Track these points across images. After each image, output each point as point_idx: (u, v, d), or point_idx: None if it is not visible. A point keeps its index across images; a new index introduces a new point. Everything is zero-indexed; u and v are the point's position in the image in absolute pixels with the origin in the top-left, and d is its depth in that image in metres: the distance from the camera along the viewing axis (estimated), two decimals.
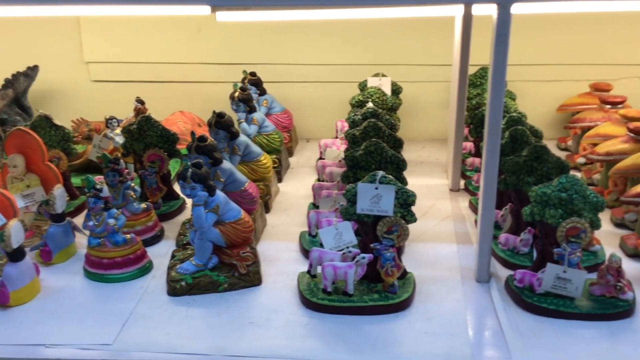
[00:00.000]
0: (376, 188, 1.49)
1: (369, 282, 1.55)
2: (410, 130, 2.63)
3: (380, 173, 1.51)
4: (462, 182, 2.20)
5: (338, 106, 2.56)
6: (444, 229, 1.92)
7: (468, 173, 2.23)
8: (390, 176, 1.51)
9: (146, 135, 1.96)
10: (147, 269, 1.68)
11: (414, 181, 2.24)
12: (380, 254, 1.50)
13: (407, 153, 2.53)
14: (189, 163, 1.55)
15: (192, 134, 1.74)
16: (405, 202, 1.52)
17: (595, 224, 1.48)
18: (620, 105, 2.27)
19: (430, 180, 2.27)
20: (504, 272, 1.63)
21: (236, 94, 2.17)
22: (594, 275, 1.52)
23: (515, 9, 1.37)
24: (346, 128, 2.16)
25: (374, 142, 1.72)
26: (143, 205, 1.84)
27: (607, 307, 1.46)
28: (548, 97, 2.57)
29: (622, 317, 1.45)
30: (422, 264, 1.71)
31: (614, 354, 1.33)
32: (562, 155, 2.44)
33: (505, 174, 1.71)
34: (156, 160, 1.97)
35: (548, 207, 1.48)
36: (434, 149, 2.58)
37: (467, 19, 1.92)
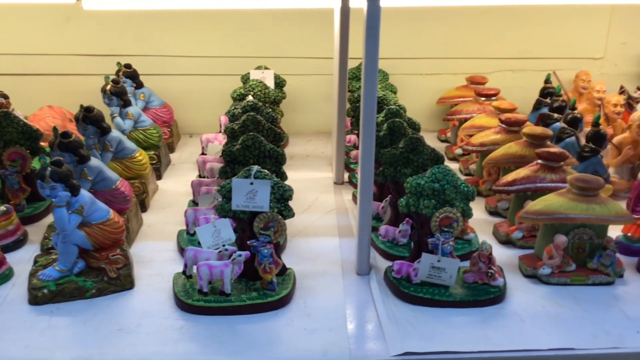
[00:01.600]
0: (251, 183, 1.45)
1: (248, 280, 1.50)
2: (296, 123, 2.61)
3: (255, 168, 1.46)
4: (346, 175, 2.20)
5: (222, 100, 2.49)
6: (327, 222, 1.91)
7: (352, 166, 2.24)
8: (265, 171, 1.47)
9: (5, 131, 1.80)
10: (6, 276, 1.55)
11: (299, 175, 2.24)
12: (258, 251, 1.46)
13: (293, 147, 2.53)
14: (48, 161, 1.43)
15: (55, 129, 1.62)
16: (282, 197, 1.48)
17: (467, 213, 1.52)
18: (494, 98, 2.36)
19: (315, 174, 2.26)
20: (384, 264, 1.63)
21: (108, 87, 2.05)
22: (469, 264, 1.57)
23: (384, 1, 1.37)
24: None
25: (252, 136, 1.68)
26: (2, 207, 1.69)
27: (480, 293, 1.50)
28: (428, 90, 2.63)
29: (494, 303, 1.49)
30: (304, 259, 1.69)
31: (484, 339, 1.36)
32: (442, 146, 2.53)
33: (383, 166, 1.72)
34: (17, 158, 1.82)
35: (422, 198, 1.50)
36: (320, 142, 2.57)
37: (345, 11, 1.91)
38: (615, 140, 2.13)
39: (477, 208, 2.00)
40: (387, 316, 1.44)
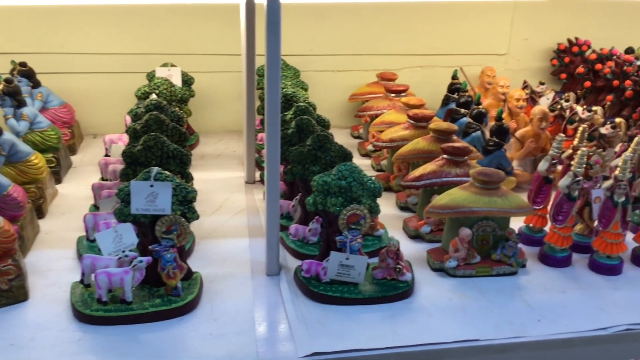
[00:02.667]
0: (151, 186, 1.39)
1: (151, 286, 1.44)
2: (206, 122, 2.55)
3: (155, 169, 1.41)
4: (258, 174, 2.17)
5: (127, 99, 2.39)
6: (237, 223, 1.86)
7: (263, 164, 2.19)
8: (166, 172, 1.42)
9: None
10: None
11: (209, 175, 2.18)
12: (160, 256, 1.40)
13: (204, 146, 2.47)
14: None
15: None
16: (185, 198, 1.43)
17: (374, 210, 1.52)
18: (403, 94, 2.38)
19: (226, 174, 2.21)
20: (295, 264, 1.61)
21: (0, 87, 1.92)
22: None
23: None
24: None
25: (153, 136, 1.61)
26: None
27: (388, 289, 1.50)
28: (340, 87, 2.63)
29: (402, 298, 1.50)
30: (212, 261, 1.64)
31: (392, 335, 1.37)
32: (354, 142, 2.54)
33: (291, 164, 1.70)
34: None
35: (329, 196, 1.48)
36: (232, 141, 2.52)
37: (250, 7, 1.87)
38: (518, 133, 2.19)
39: (388, 204, 2.03)
40: (297, 317, 1.41)
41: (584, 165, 1.60)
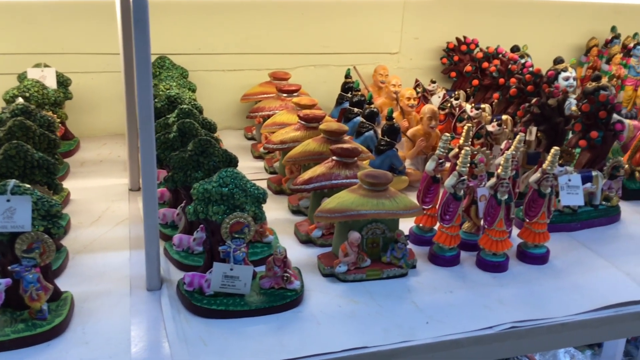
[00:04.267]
0: (8, 200, 1.26)
1: (14, 310, 1.31)
2: (88, 126, 2.39)
3: (12, 182, 1.27)
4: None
5: None
6: (117, 234, 1.74)
7: None
8: (26, 185, 1.29)
9: None
10: None
11: (90, 183, 2.04)
12: (21, 277, 1.27)
13: (85, 152, 2.31)
14: None
15: None
16: (48, 212, 1.31)
17: (259, 217, 1.46)
18: (295, 94, 2.34)
19: (108, 181, 2.07)
20: (179, 276, 1.51)
21: None
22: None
23: None
24: None
25: (15, 144, 1.47)
26: None
27: (276, 299, 1.44)
28: (232, 87, 2.54)
29: (291, 307, 1.45)
30: (87, 278, 1.52)
31: (279, 347, 1.31)
32: (248, 144, 2.46)
33: (172, 170, 1.60)
34: None
35: (211, 204, 1.41)
36: (116, 145, 2.37)
37: (126, 4, 1.76)
38: (409, 132, 2.20)
39: (280, 207, 1.98)
40: (177, 334, 1.33)
41: (468, 165, 1.61)
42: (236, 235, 1.40)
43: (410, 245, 1.74)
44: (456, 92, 2.49)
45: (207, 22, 2.46)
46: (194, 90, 2.24)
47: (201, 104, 2.19)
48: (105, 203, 1.91)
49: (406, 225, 1.79)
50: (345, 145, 1.76)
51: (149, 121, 1.33)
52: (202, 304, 1.40)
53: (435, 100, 2.51)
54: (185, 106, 1.79)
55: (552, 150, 1.64)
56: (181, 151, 1.58)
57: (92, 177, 2.08)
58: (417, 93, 2.51)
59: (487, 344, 1.41)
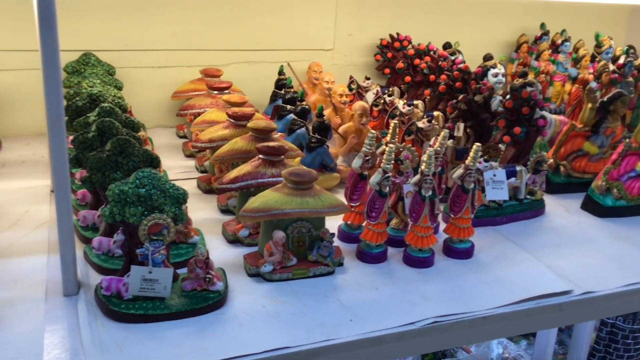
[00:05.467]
0: None
1: None
2: (10, 125, 2.31)
3: None
4: None
5: None
6: (36, 238, 1.68)
7: (74, 170, 2.02)
8: None
9: None
10: None
11: (10, 185, 1.97)
12: None
13: (8, 152, 2.23)
14: None
15: None
16: None
17: (180, 218, 1.42)
18: (227, 91, 2.30)
19: (30, 182, 1.99)
20: (99, 280, 1.46)
21: None
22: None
23: None
24: None
25: None
26: None
27: (198, 301, 1.41)
28: (163, 84, 2.49)
29: (214, 309, 1.42)
30: (0, 284, 1.46)
31: (199, 350, 1.28)
32: (180, 143, 2.42)
33: (90, 171, 1.55)
34: None
35: (128, 206, 1.37)
36: (40, 145, 2.29)
37: None
38: (341, 129, 2.20)
39: (210, 207, 1.95)
40: (92, 341, 1.29)
41: (393, 161, 1.62)
42: (155, 237, 1.37)
43: (338, 243, 1.75)
44: (390, 89, 2.51)
45: (135, 17, 2.39)
46: (120, 88, 2.17)
47: (130, 102, 2.14)
48: (25, 205, 1.84)
49: (335, 222, 1.79)
50: (271, 144, 1.74)
51: (58, 121, 1.29)
52: (119, 309, 1.36)
53: (370, 96, 2.51)
54: (106, 105, 1.74)
55: (474, 147, 1.66)
56: (99, 151, 1.53)
57: (13, 179, 2.01)
58: (352, 90, 2.51)
59: (410, 339, 1.42)
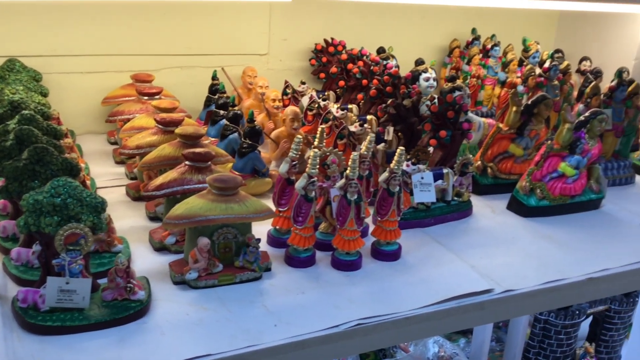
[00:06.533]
0: None
1: None
2: None
3: None
4: None
5: None
6: None
7: None
8: None
9: None
10: None
11: None
12: None
13: None
14: None
15: None
16: None
17: (99, 227, 1.40)
18: (157, 97, 2.28)
19: None
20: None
21: None
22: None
23: None
24: None
25: None
26: None
27: (119, 311, 1.40)
28: (93, 90, 2.44)
29: (135, 319, 1.41)
30: None
31: None
32: (110, 149, 2.38)
33: (6, 181, 1.51)
34: None
35: (43, 216, 1.34)
36: None
37: None
38: (273, 134, 2.21)
39: (138, 214, 1.92)
40: (7, 354, 1.26)
41: (318, 166, 1.63)
42: (71, 247, 1.34)
43: (268, 248, 1.75)
44: (326, 93, 2.53)
45: (63, 22, 2.34)
46: (45, 95, 2.12)
47: (59, 109, 2.10)
48: None
49: (264, 227, 1.79)
50: (197, 150, 1.73)
51: None
52: (36, 321, 1.33)
53: (305, 101, 2.52)
54: (27, 112, 1.69)
55: (398, 150, 1.69)
56: (15, 160, 1.50)
57: None
58: (287, 94, 2.52)
59: (334, 342, 1.43)
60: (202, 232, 1.55)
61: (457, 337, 3.25)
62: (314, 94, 2.49)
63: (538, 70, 2.59)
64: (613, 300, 2.77)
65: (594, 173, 2.14)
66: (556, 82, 2.60)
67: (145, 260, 1.66)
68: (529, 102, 2.21)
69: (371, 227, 1.84)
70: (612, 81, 2.44)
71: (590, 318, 3.00)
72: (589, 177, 2.14)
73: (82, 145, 2.34)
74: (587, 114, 2.10)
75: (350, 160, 1.63)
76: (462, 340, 3.24)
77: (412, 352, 2.78)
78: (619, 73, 2.42)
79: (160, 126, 1.95)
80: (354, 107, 2.39)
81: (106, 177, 2.16)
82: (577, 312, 2.62)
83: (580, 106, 2.41)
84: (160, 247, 1.71)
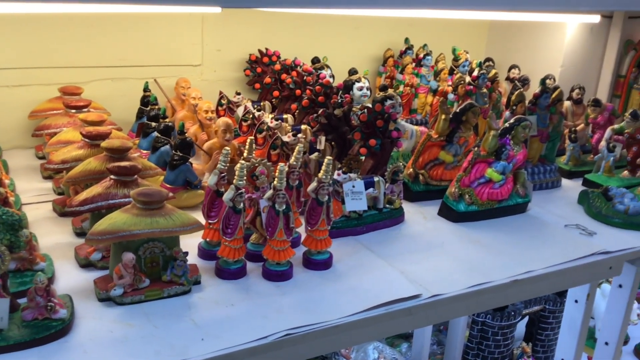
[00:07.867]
0: None
1: None
2: None
3: None
4: None
5: None
6: None
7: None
8: None
9: None
10: None
11: None
12: None
13: None
14: None
15: None
16: None
17: (17, 245, 1.37)
18: (85, 109, 2.24)
19: None
20: None
21: None
22: None
23: None
24: None
25: None
26: None
27: (40, 330, 1.36)
28: (20, 103, 2.38)
29: (57, 338, 1.37)
30: None
31: None
32: (38, 164, 2.32)
33: None
34: None
35: None
36: None
37: None
38: (205, 146, 2.19)
39: (65, 231, 1.88)
40: None
41: (245, 178, 1.63)
42: None
43: (198, 261, 1.74)
44: (262, 104, 2.53)
45: None
46: None
47: None
48: None
49: (195, 240, 1.78)
50: (122, 164, 1.71)
51: None
52: None
53: (240, 111, 2.52)
54: None
55: (326, 160, 1.71)
56: None
57: None
58: (222, 105, 2.51)
59: (262, 353, 1.43)
60: (128, 247, 1.52)
61: (400, 342, 3.28)
62: (249, 104, 2.49)
63: (467, 79, 2.66)
64: (547, 300, 2.85)
65: (519, 178, 2.21)
66: (485, 90, 2.68)
67: (70, 278, 1.63)
68: (457, 110, 2.26)
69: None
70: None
71: (526, 318, 3.08)
72: (515, 181, 2.20)
73: (9, 160, 2.28)
74: (511, 121, 2.17)
75: (277, 171, 1.63)
76: (404, 345, 3.28)
77: (353, 358, 2.79)
78: (543, 80, 2.51)
79: (86, 140, 1.92)
80: (289, 117, 2.41)
81: (33, 192, 2.10)
82: (513, 313, 2.69)
83: (506, 113, 2.48)
84: (86, 264, 1.67)
